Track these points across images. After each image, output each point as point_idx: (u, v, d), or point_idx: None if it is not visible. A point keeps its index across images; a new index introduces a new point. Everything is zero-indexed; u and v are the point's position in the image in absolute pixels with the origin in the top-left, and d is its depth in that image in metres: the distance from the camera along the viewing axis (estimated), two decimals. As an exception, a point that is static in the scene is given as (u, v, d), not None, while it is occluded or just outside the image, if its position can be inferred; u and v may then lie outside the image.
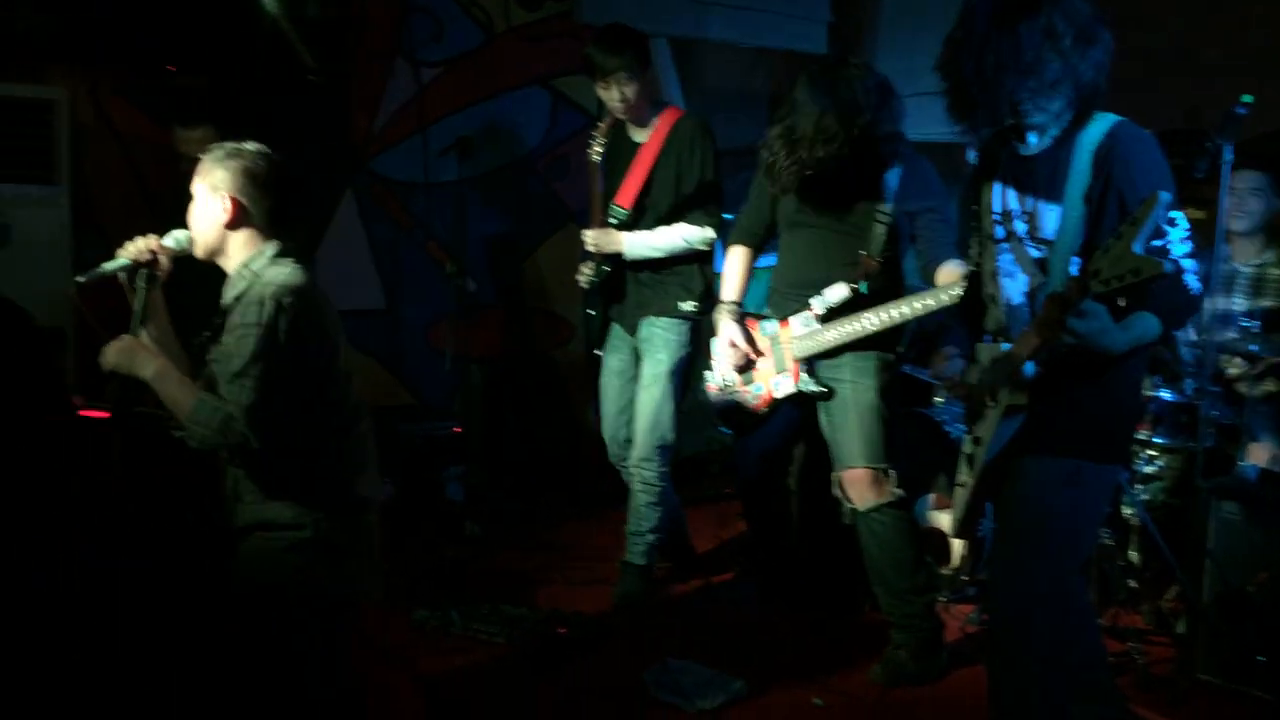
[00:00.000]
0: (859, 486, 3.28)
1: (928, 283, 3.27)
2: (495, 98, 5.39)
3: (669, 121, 3.86)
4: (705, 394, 3.63)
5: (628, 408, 4.00)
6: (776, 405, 3.46)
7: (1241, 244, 3.95)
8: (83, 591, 2.32)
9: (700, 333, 3.91)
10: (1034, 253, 2.31)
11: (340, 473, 2.44)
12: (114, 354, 2.38)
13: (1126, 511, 3.69)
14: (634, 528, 3.95)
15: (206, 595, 2.63)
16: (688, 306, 3.86)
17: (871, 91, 3.16)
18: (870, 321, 3.23)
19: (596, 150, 3.86)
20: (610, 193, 3.91)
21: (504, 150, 5.42)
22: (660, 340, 3.86)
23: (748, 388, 3.50)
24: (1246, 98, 3.27)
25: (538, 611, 3.68)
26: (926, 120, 3.23)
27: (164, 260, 2.48)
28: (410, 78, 5.16)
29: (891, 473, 3.30)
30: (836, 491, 3.37)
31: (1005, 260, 2.39)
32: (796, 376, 3.38)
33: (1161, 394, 3.75)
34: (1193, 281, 2.16)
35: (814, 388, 3.34)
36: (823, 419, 3.38)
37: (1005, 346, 2.33)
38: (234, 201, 2.40)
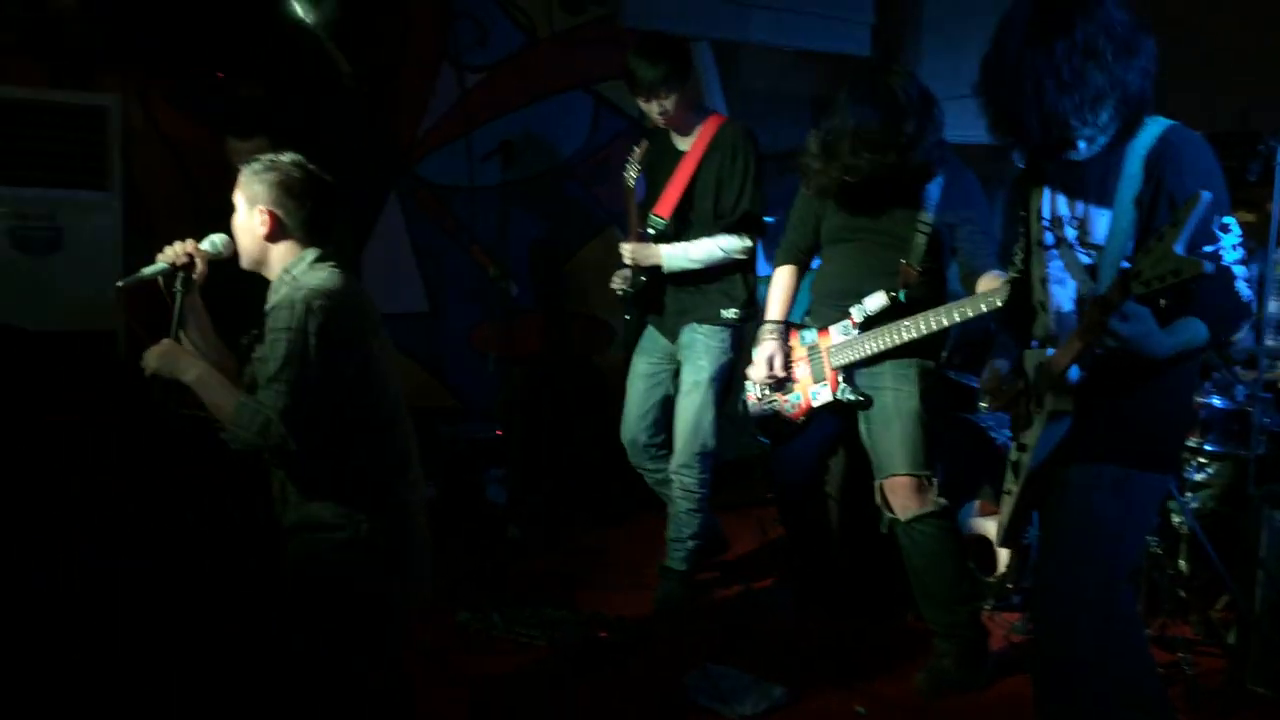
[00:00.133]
0: (901, 495, 3.26)
1: (968, 293, 3.24)
2: (538, 102, 5.41)
3: (712, 128, 3.85)
4: (744, 403, 3.62)
5: (651, 412, 4.00)
6: (814, 414, 3.45)
7: (1294, 247, 3.87)
8: (83, 591, 2.34)
9: (743, 339, 3.90)
10: (1084, 258, 2.28)
11: (378, 474, 2.45)
12: (155, 358, 2.41)
13: (1176, 520, 3.63)
14: (674, 534, 3.95)
15: (206, 596, 2.65)
16: (730, 314, 3.85)
17: (914, 99, 3.14)
18: (908, 329, 3.20)
19: (631, 175, 3.83)
20: (651, 200, 3.91)
21: (546, 155, 5.44)
22: (702, 347, 3.86)
23: (786, 397, 3.49)
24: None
25: (578, 614, 3.69)
26: (971, 123, 3.20)
27: (200, 264, 2.52)
28: (454, 82, 5.20)
29: (934, 480, 3.27)
30: (878, 500, 3.34)
31: (1055, 267, 2.36)
32: (835, 385, 3.36)
33: (1212, 400, 3.69)
34: (1243, 288, 2.12)
35: (851, 397, 3.32)
36: (863, 428, 3.35)
37: (1052, 353, 2.30)
38: (270, 215, 2.44)
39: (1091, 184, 2.27)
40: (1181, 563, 3.63)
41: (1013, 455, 2.44)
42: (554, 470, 5.27)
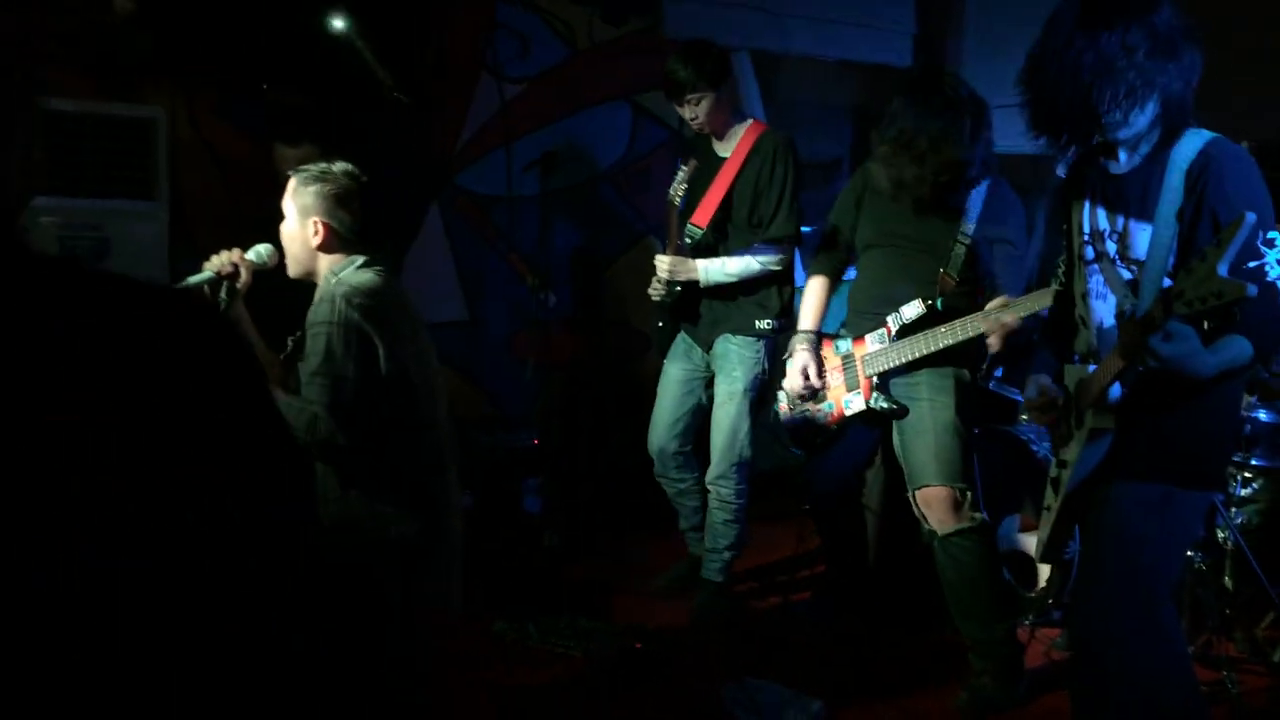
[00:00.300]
0: (937, 509, 3.23)
1: (982, 305, 3.20)
2: (578, 113, 5.43)
3: (752, 137, 3.85)
4: (777, 413, 3.61)
5: (682, 420, 4.00)
6: (848, 423, 3.43)
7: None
8: (83, 591, 2.35)
9: (777, 350, 3.89)
10: (1125, 274, 2.25)
11: (413, 474, 2.47)
12: None
13: (1221, 535, 3.57)
14: (711, 544, 3.94)
15: (206, 596, 2.65)
16: (764, 324, 3.84)
17: (967, 100, 3.13)
18: (944, 336, 3.18)
19: (678, 194, 3.80)
20: (690, 207, 3.92)
21: (585, 165, 5.46)
22: (736, 357, 3.85)
23: (819, 406, 3.47)
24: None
25: (614, 625, 3.69)
26: (1012, 132, 3.18)
27: (245, 274, 2.56)
28: (495, 93, 5.23)
29: (969, 494, 3.24)
30: (916, 511, 3.32)
31: (1096, 281, 2.33)
32: (868, 394, 3.34)
33: (1258, 414, 3.63)
34: None
35: (885, 405, 3.30)
36: (896, 439, 3.33)
37: (1093, 369, 2.27)
38: (325, 226, 2.47)
39: (1132, 198, 2.25)
40: (1226, 579, 3.57)
41: (1053, 472, 2.41)
42: (591, 478, 5.28)
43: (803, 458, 3.62)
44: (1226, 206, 2.09)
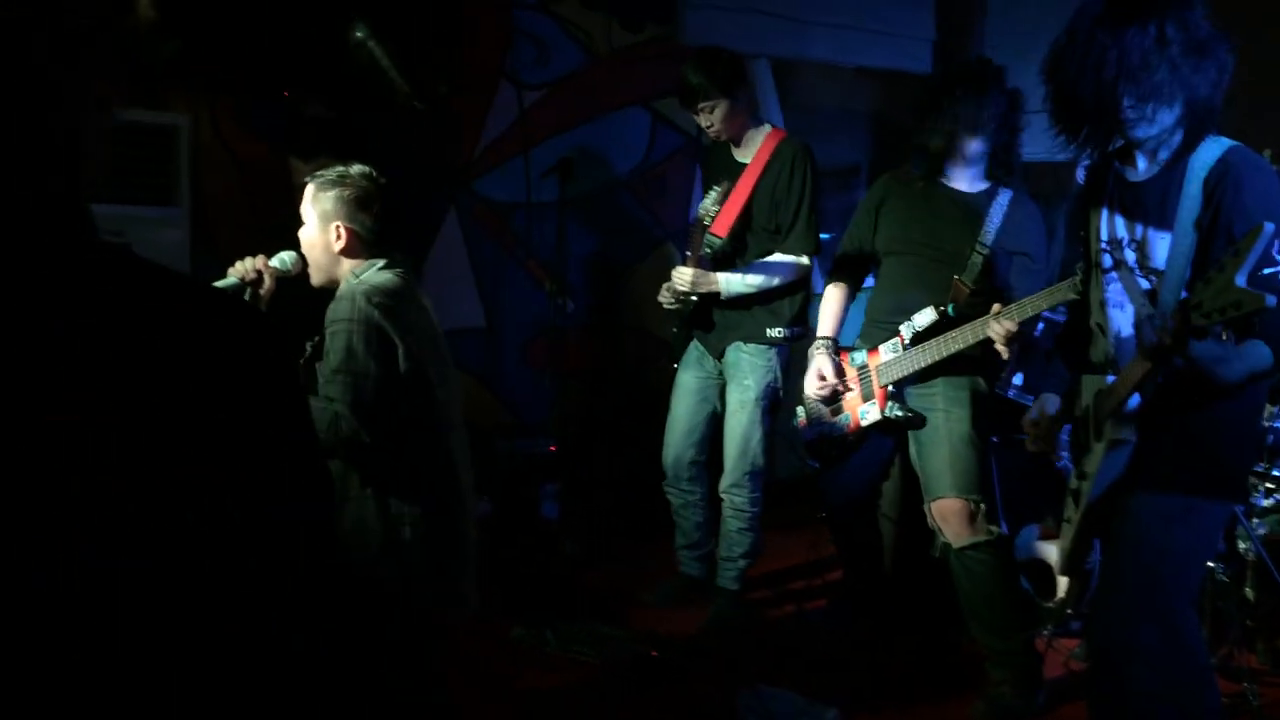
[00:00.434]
0: (953, 522, 3.21)
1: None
2: (596, 119, 5.44)
3: (771, 144, 3.84)
4: (796, 426, 3.59)
5: (698, 428, 3.99)
6: (864, 434, 3.41)
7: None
8: (83, 591, 2.36)
9: (790, 357, 3.88)
10: (1143, 283, 2.23)
11: (429, 476, 2.48)
12: None
13: (1242, 546, 3.54)
14: (725, 553, 3.94)
15: (207, 596, 2.66)
16: (776, 332, 3.83)
17: (1004, 98, 3.15)
18: (955, 341, 3.15)
19: (709, 215, 3.75)
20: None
21: (603, 171, 5.47)
22: (747, 366, 3.84)
23: (836, 418, 3.46)
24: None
25: (630, 632, 3.69)
26: (1033, 139, 3.18)
27: (269, 280, 2.57)
28: (514, 100, 5.25)
29: (984, 507, 3.21)
30: (930, 523, 3.30)
31: (1114, 290, 2.32)
32: (883, 403, 3.33)
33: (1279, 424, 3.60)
34: None
35: (900, 414, 3.28)
36: (912, 449, 3.32)
37: (1111, 379, 2.26)
38: (347, 231, 2.48)
39: (1151, 205, 2.23)
40: (1248, 590, 3.54)
41: (1073, 483, 2.40)
42: (609, 485, 5.28)
43: (817, 470, 3.60)
44: (1244, 216, 2.07)
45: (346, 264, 2.52)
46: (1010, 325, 2.96)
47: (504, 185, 5.26)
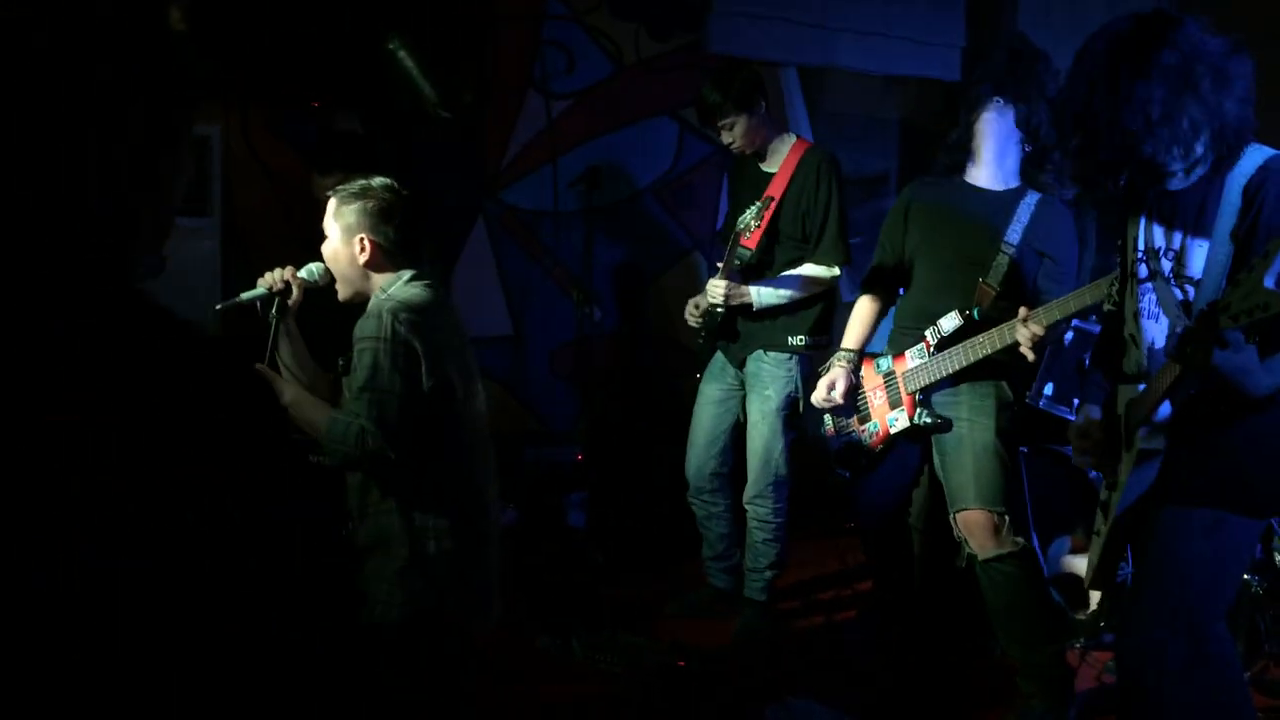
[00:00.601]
0: (978, 533, 3.17)
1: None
2: (623, 128, 5.45)
3: (797, 154, 3.83)
4: (824, 435, 3.57)
5: (720, 439, 3.98)
6: (893, 442, 3.38)
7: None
8: (83, 591, 2.39)
9: (812, 367, 3.86)
10: (1178, 294, 2.20)
11: (454, 492, 2.48)
12: None
13: (1278, 558, 3.49)
14: (751, 564, 3.92)
15: (206, 596, 2.67)
16: (797, 340, 3.81)
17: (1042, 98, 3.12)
18: (982, 346, 3.12)
19: (751, 224, 3.70)
20: (734, 221, 3.90)
21: (630, 180, 5.47)
22: (768, 376, 3.83)
23: (864, 426, 3.43)
24: None
25: (657, 643, 3.68)
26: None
27: (297, 291, 2.59)
28: (541, 109, 5.27)
29: (1008, 518, 3.17)
30: (956, 534, 3.26)
31: (1148, 301, 2.28)
32: (911, 410, 3.29)
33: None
34: None
35: (929, 420, 3.25)
36: (936, 459, 3.28)
37: (1143, 389, 2.23)
38: (371, 243, 2.49)
39: (1189, 214, 2.19)
40: (1284, 604, 3.48)
41: (1103, 495, 2.37)
42: (636, 494, 5.28)
43: (847, 480, 3.57)
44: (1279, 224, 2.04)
45: (375, 278, 2.52)
46: (1037, 329, 2.91)
47: (532, 194, 5.28)
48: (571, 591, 4.13)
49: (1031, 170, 3.23)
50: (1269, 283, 1.79)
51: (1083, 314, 3.27)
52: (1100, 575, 2.44)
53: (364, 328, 2.40)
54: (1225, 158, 2.13)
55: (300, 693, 2.36)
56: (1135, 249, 2.33)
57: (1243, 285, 1.83)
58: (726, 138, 3.81)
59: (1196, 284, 2.16)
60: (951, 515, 3.24)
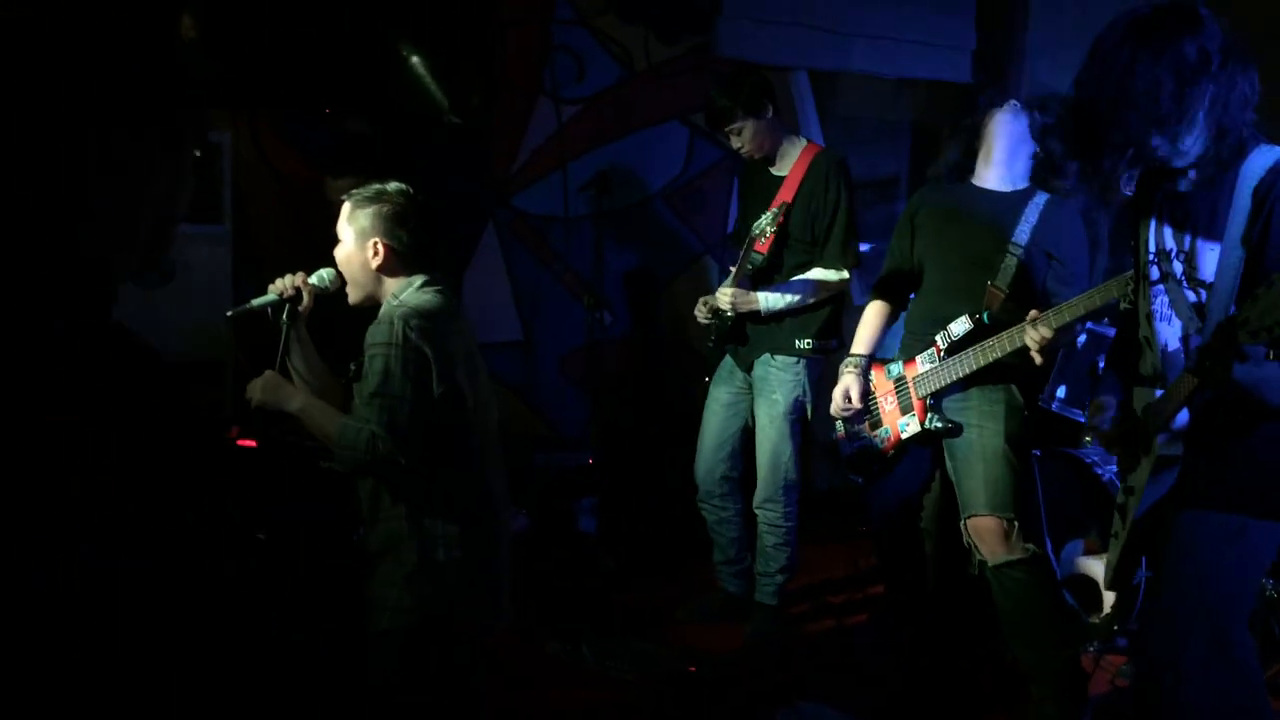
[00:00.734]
0: (988, 539, 3.15)
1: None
2: (633, 134, 5.45)
3: (807, 158, 3.83)
4: (836, 441, 3.56)
5: (729, 443, 3.97)
6: (905, 447, 3.36)
7: None
8: (83, 591, 2.39)
9: (820, 370, 3.85)
10: (1191, 296, 2.19)
11: (464, 497, 2.48)
12: (260, 390, 2.48)
13: (1295, 563, 3.46)
14: (762, 568, 3.91)
15: (207, 596, 2.68)
16: (804, 344, 3.80)
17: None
18: (992, 349, 3.10)
19: (767, 230, 3.70)
20: (744, 224, 3.89)
21: (641, 185, 5.47)
22: (775, 380, 3.82)
23: (875, 432, 3.42)
24: None
25: (668, 648, 3.67)
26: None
27: (307, 298, 2.59)
28: (551, 114, 5.27)
29: (1018, 524, 3.15)
30: (966, 540, 3.24)
31: (1160, 303, 2.27)
32: (922, 415, 3.28)
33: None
34: None
35: (940, 425, 3.23)
36: (948, 464, 3.27)
37: (1159, 393, 2.21)
38: (385, 247, 2.49)
39: (1199, 217, 2.18)
40: (1302, 608, 3.46)
41: (1120, 498, 2.35)
42: (647, 499, 5.27)
43: (860, 485, 3.56)
44: None
45: (387, 283, 2.52)
46: (1045, 332, 2.89)
47: (542, 199, 5.28)
48: (582, 597, 4.13)
49: (1045, 174, 3.21)
50: None
51: (1095, 316, 3.25)
52: (1118, 578, 2.43)
53: (375, 334, 2.40)
54: (1229, 160, 2.11)
55: (307, 697, 2.36)
56: (1146, 251, 2.32)
57: (1261, 300, 1.81)
58: (735, 142, 3.81)
59: (1209, 287, 2.14)
60: (962, 521, 3.22)
